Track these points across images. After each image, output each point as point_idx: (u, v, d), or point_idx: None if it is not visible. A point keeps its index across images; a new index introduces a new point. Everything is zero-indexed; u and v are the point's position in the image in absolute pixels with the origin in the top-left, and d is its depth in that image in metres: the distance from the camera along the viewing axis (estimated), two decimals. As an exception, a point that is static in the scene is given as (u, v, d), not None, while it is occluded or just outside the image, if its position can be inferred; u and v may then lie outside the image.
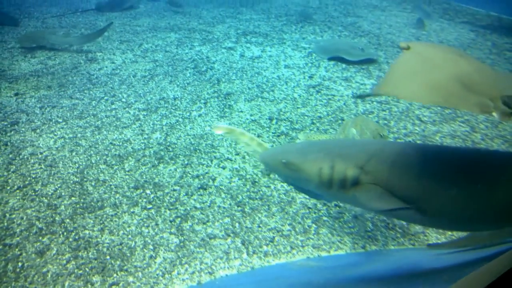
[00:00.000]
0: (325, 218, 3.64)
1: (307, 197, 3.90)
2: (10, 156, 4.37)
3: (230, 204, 3.80)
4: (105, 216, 3.61)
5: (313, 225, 3.57)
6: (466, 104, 2.21)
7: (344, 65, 6.97)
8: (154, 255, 3.23)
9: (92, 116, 5.21)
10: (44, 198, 3.78)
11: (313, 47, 7.75)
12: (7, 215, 3.56)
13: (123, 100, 5.66)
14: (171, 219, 3.60)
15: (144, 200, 3.81)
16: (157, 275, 3.06)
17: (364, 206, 1.99)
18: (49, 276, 3.02)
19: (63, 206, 3.69)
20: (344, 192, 1.98)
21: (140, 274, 3.06)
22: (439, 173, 1.90)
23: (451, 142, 4.79)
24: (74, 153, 4.45)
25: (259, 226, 3.55)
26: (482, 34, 8.77)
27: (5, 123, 4.96)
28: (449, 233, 3.46)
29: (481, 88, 2.25)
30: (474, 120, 5.24)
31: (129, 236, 3.40)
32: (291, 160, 2.15)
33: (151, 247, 3.31)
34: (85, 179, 4.05)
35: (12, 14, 9.17)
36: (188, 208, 3.73)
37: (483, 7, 10.74)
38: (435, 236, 3.47)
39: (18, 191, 3.85)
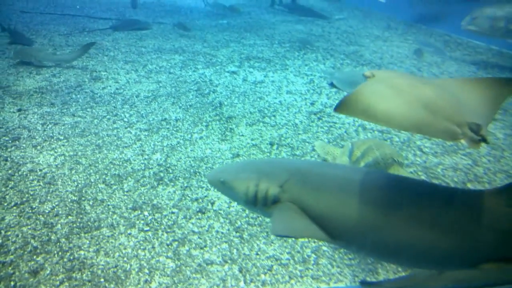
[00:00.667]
0: (324, 248, 3.59)
1: (306, 225, 3.85)
2: (9, 172, 4.34)
3: (228, 230, 3.75)
4: (101, 237, 3.55)
5: (313, 255, 3.52)
6: (434, 131, 2.21)
7: (345, 93, 7.02)
8: (149, 279, 3.17)
9: (93, 135, 5.21)
10: (41, 216, 3.73)
11: (327, 78, 7.63)
12: (2, 232, 3.51)
13: (125, 119, 5.68)
14: (168, 242, 3.55)
15: (142, 221, 3.77)
16: (151, 300, 2.99)
17: (280, 224, 2.00)
18: (41, 297, 2.95)
19: (59, 225, 3.64)
20: (265, 209, 2.07)
21: (134, 298, 2.99)
22: (349, 195, 1.90)
23: (453, 175, 4.78)
24: (73, 171, 4.43)
25: (257, 254, 3.50)
26: (483, 68, 8.90)
27: (7, 139, 4.95)
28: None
29: (446, 114, 2.24)
30: (476, 153, 5.25)
31: (125, 259, 3.35)
32: (226, 179, 2.24)
33: (146, 271, 3.25)
34: (83, 198, 4.02)
35: (22, 32, 9.30)
36: (186, 232, 3.68)
37: (483, 40, 10.94)
38: (435, 270, 3.42)
39: (15, 207, 3.80)
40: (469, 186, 4.59)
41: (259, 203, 2.08)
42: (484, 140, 2.17)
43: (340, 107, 2.05)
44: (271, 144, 5.27)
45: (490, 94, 2.48)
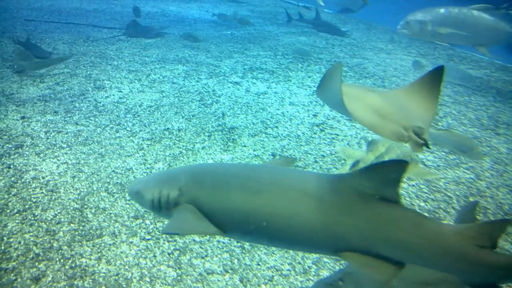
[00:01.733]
0: (326, 260, 3.58)
1: (308, 236, 3.85)
2: (12, 179, 4.35)
3: (229, 240, 3.75)
4: (103, 245, 3.55)
5: (314, 266, 3.51)
6: (384, 131, 2.64)
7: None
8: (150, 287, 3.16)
9: (96, 143, 5.23)
10: (43, 223, 3.73)
11: None
12: (5, 238, 3.51)
13: (128, 128, 5.71)
14: (169, 251, 3.55)
15: (144, 230, 3.77)
16: (152, 310, 2.98)
17: (171, 223, 2.15)
18: (42, 305, 2.94)
19: (61, 233, 3.64)
20: (169, 214, 2.17)
21: (135, 308, 2.98)
22: (235, 189, 2.05)
23: (455, 188, 4.78)
24: (76, 179, 4.44)
25: (258, 264, 3.49)
26: (486, 82, 8.94)
27: (10, 146, 4.98)
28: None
29: (393, 118, 2.66)
30: (479, 168, 5.25)
31: (126, 267, 3.34)
32: (138, 189, 2.33)
33: (147, 279, 3.24)
34: (85, 206, 4.02)
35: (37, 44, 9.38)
36: (187, 241, 3.68)
37: (486, 55, 11.00)
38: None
39: (17, 214, 3.81)
40: (471, 200, 4.58)
41: (163, 208, 2.19)
42: (426, 144, 2.58)
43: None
44: (273, 155, 5.28)
45: (426, 91, 2.88)
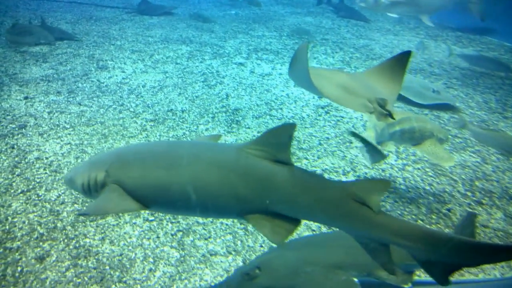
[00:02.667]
0: (329, 242, 3.58)
1: (311, 218, 3.84)
2: (16, 159, 4.35)
3: (232, 221, 3.74)
4: (106, 225, 3.56)
5: (317, 248, 3.50)
6: (350, 103, 3.04)
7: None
8: (154, 268, 3.18)
9: (99, 124, 5.21)
10: (47, 203, 3.74)
11: None
12: (9, 218, 3.53)
13: (131, 109, 5.67)
14: (172, 232, 3.55)
15: (147, 211, 3.77)
16: (155, 290, 3.00)
17: (92, 205, 2.21)
18: (48, 283, 2.96)
19: (65, 213, 3.65)
20: (98, 196, 2.20)
21: (139, 287, 3.00)
22: (154, 165, 2.12)
23: (461, 172, 4.74)
24: (79, 160, 4.43)
25: (261, 246, 3.49)
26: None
27: (13, 126, 4.96)
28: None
29: (359, 92, 3.02)
30: (486, 151, 5.19)
31: (130, 247, 3.35)
32: (71, 176, 2.37)
33: (151, 259, 3.26)
34: (89, 187, 4.02)
35: (28, 20, 9.27)
36: (190, 223, 3.68)
37: (496, 37, 10.78)
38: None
39: (21, 194, 3.82)
40: (477, 184, 4.54)
41: (93, 191, 2.23)
42: (390, 115, 2.89)
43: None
44: (278, 136, 5.24)
45: (392, 71, 3.24)
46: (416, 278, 2.76)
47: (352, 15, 12.08)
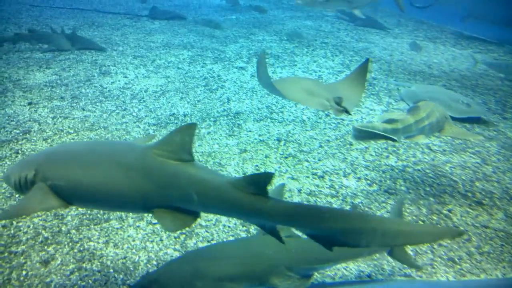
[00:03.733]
0: (330, 243, 3.61)
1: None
2: (20, 164, 4.40)
3: (235, 224, 3.78)
4: (110, 229, 3.60)
5: (319, 249, 3.53)
6: (310, 103, 3.53)
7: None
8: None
9: (102, 129, 5.26)
10: (51, 207, 3.78)
11: (401, 92, 6.84)
12: (14, 222, 3.57)
13: (134, 114, 5.73)
14: (175, 235, 3.59)
15: (150, 214, 3.80)
16: (159, 292, 3.03)
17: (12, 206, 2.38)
18: (53, 286, 3.00)
19: (69, 217, 3.69)
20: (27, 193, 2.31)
21: (142, 290, 3.03)
22: (76, 163, 2.25)
23: (461, 173, 4.77)
24: (83, 164, 4.48)
25: (264, 248, 3.52)
26: (494, 65, 8.81)
27: (17, 131, 5.02)
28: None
29: (318, 93, 3.54)
30: (486, 152, 5.22)
31: (133, 250, 3.39)
32: (7, 175, 2.45)
33: (154, 262, 3.29)
34: (92, 191, 4.06)
35: (40, 29, 9.37)
36: (193, 225, 3.72)
37: (496, 38, 10.82)
38: (443, 269, 3.43)
39: (26, 199, 3.86)
40: (477, 184, 4.57)
41: (24, 189, 2.32)
42: (346, 111, 3.43)
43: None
44: (279, 140, 5.29)
45: (355, 78, 3.83)
46: (312, 281, 2.90)
47: (369, 24, 11.76)
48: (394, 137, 4.17)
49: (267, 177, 2.13)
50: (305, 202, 4.12)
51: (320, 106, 3.49)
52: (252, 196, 2.10)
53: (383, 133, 4.18)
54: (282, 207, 2.17)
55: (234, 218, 3.82)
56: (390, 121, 4.24)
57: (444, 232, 2.45)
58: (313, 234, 2.22)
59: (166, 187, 2.16)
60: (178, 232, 3.61)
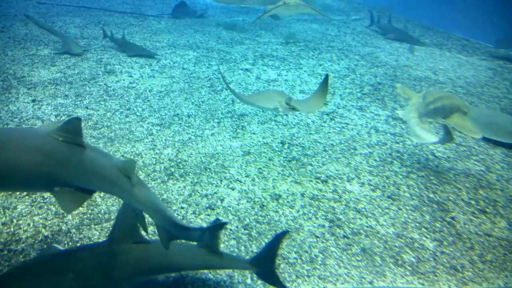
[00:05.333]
0: (332, 249, 3.58)
1: (315, 225, 3.85)
2: (23, 161, 4.39)
3: (237, 227, 3.76)
4: (111, 229, 3.58)
5: (320, 255, 3.51)
6: (265, 104, 4.26)
7: (359, 94, 6.98)
8: (157, 272, 3.18)
9: (106, 128, 5.25)
10: (52, 206, 3.78)
11: None
12: (14, 220, 3.56)
13: (138, 113, 5.72)
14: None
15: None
16: (159, 294, 3.01)
17: None
18: (51, 286, 2.98)
19: (70, 216, 3.68)
20: None
21: (141, 291, 3.01)
22: None
23: (465, 180, 4.73)
24: (85, 163, 4.47)
25: (265, 251, 3.49)
26: (500, 73, 8.77)
27: (21, 128, 5.02)
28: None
29: (274, 98, 4.24)
30: (490, 160, 5.18)
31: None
32: None
33: (154, 264, 3.27)
34: (94, 190, 4.05)
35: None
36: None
37: (503, 46, 10.76)
38: (445, 277, 3.39)
39: (27, 197, 3.86)
40: (481, 192, 4.53)
41: None
42: (294, 108, 4.11)
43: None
44: (283, 143, 5.26)
45: (320, 90, 4.63)
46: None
47: (402, 37, 11.13)
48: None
49: (133, 163, 2.52)
50: (307, 206, 4.09)
51: (272, 106, 4.16)
52: (125, 179, 2.48)
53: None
54: (145, 195, 2.56)
55: (236, 222, 3.80)
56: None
57: None
58: (157, 225, 2.63)
59: (63, 167, 2.40)
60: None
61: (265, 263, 2.94)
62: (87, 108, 5.74)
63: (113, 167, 2.49)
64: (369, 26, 12.14)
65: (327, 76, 4.60)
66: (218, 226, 2.78)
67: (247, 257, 3.17)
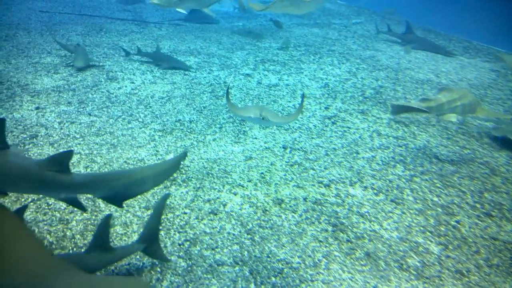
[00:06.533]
0: (336, 253, 3.57)
1: (318, 229, 3.84)
2: (26, 168, 4.41)
3: (240, 232, 3.75)
4: (115, 234, 3.59)
5: (324, 259, 3.49)
6: (245, 113, 4.50)
7: (361, 98, 6.98)
8: (161, 277, 3.19)
9: (108, 134, 5.27)
10: (56, 212, 3.78)
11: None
12: (18, 227, 3.56)
13: (140, 120, 5.73)
14: (180, 242, 3.57)
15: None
16: (162, 300, 3.00)
17: None
18: (55, 293, 2.98)
19: (74, 222, 3.68)
20: None
21: (145, 297, 3.01)
22: None
23: (469, 183, 4.71)
24: (89, 170, 4.48)
25: (268, 256, 3.49)
26: (503, 75, 8.75)
27: (25, 136, 5.04)
28: (465, 277, 3.33)
29: (252, 111, 4.44)
30: (495, 163, 5.16)
31: (137, 257, 3.37)
32: None
33: (158, 269, 3.27)
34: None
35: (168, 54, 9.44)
36: (198, 232, 3.69)
37: (504, 47, 10.76)
38: (451, 281, 3.37)
39: (31, 204, 3.87)
40: (486, 195, 4.51)
41: None
42: (264, 118, 4.29)
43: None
44: (284, 147, 5.26)
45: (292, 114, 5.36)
46: None
47: (427, 47, 10.36)
48: (427, 110, 4.77)
49: (67, 155, 2.67)
50: (310, 211, 4.09)
51: (250, 114, 4.40)
52: (55, 173, 2.60)
53: (417, 106, 4.79)
54: (79, 179, 2.74)
55: (239, 227, 3.79)
56: (424, 100, 4.92)
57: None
58: (104, 196, 2.81)
59: None
60: (183, 239, 3.59)
61: (150, 240, 3.11)
62: (90, 114, 5.76)
63: (33, 165, 2.61)
64: (376, 35, 11.62)
65: (303, 95, 5.14)
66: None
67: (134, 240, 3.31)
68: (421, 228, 3.95)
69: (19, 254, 1.96)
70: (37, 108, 5.81)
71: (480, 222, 4.09)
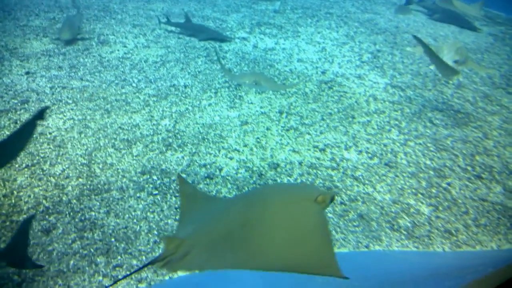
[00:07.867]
0: (329, 215, 3.64)
1: (313, 192, 3.89)
2: (20, 134, 4.38)
3: (235, 196, 3.80)
4: (111, 199, 3.62)
5: (318, 221, 3.56)
6: (241, 80, 4.80)
7: (358, 62, 6.90)
8: (158, 240, 3.25)
9: (102, 99, 5.21)
10: (51, 177, 3.80)
11: None
12: (15, 192, 3.59)
13: (134, 85, 5.66)
14: (176, 206, 3.61)
15: (151, 185, 3.83)
16: (160, 261, 3.07)
17: None
18: (54, 254, 3.04)
19: (70, 187, 3.71)
20: None
21: (144, 258, 3.08)
22: None
23: (462, 147, 4.75)
24: (82, 135, 4.47)
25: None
26: (501, 39, 8.64)
27: (16, 101, 4.98)
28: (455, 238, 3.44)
29: (248, 77, 4.67)
30: (488, 126, 5.19)
31: (134, 220, 3.42)
32: None
33: (155, 232, 3.33)
34: (92, 162, 4.07)
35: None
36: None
37: (504, 10, 10.56)
38: (440, 240, 3.46)
39: (26, 169, 3.87)
40: (478, 158, 4.56)
41: None
42: (260, 84, 4.60)
43: None
44: (280, 112, 5.24)
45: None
46: None
47: (452, 20, 9.55)
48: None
49: None
50: (305, 175, 4.13)
51: (246, 80, 4.62)
52: None
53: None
54: None
55: (235, 190, 3.83)
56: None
57: None
58: None
59: None
60: (179, 204, 3.64)
61: (16, 253, 2.82)
62: (82, 79, 5.67)
63: None
64: (406, 4, 10.50)
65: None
66: None
67: None
68: (413, 191, 4.02)
69: None
70: (27, 72, 5.71)
71: (470, 184, 4.16)
